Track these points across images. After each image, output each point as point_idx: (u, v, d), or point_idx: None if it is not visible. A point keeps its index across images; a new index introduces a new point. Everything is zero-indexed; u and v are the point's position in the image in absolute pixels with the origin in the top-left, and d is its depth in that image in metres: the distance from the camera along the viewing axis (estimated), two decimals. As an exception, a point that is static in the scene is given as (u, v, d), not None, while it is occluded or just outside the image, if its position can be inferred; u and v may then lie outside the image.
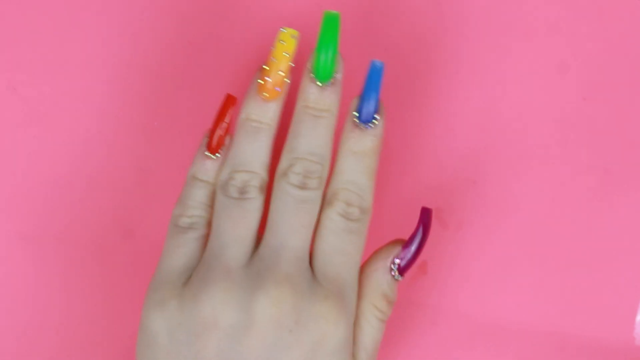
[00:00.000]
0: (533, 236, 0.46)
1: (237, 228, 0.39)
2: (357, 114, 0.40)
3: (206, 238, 0.40)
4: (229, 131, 0.41)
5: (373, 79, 0.40)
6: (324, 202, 0.40)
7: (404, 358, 0.45)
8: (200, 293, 0.37)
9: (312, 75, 0.40)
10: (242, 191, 0.39)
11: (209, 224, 0.40)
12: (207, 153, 0.41)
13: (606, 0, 0.46)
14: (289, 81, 0.40)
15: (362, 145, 0.40)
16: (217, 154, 0.40)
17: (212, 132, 0.41)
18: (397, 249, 0.40)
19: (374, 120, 0.40)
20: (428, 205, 0.46)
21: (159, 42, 0.47)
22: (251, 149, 0.40)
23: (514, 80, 0.46)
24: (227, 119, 0.41)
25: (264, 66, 0.40)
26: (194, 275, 0.39)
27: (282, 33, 0.40)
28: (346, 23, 0.43)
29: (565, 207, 0.46)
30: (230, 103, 0.41)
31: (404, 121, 0.46)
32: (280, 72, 0.40)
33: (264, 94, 0.40)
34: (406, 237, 0.41)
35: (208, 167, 0.41)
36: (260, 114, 0.40)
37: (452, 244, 0.46)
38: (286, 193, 0.39)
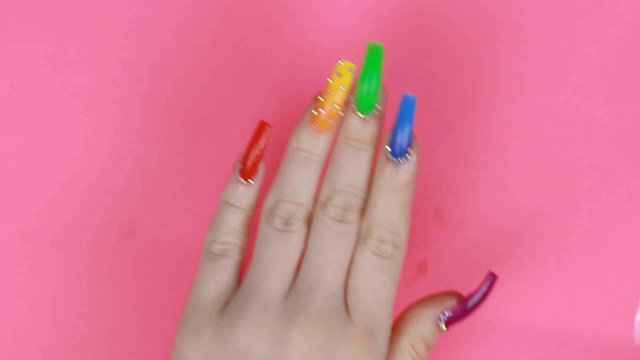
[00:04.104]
0: (533, 236, 0.46)
1: (278, 261, 0.39)
2: (389, 149, 0.39)
3: (239, 265, 0.40)
4: (262, 157, 0.40)
5: (405, 112, 0.39)
6: (358, 239, 0.39)
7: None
8: (236, 325, 0.38)
9: (354, 106, 0.39)
10: (287, 222, 0.39)
11: (242, 251, 0.40)
12: (240, 179, 0.40)
13: (606, 1, 0.46)
14: (342, 114, 0.40)
15: (396, 180, 0.39)
16: (250, 180, 0.40)
17: (246, 158, 0.40)
18: (452, 302, 0.40)
19: (407, 155, 0.39)
20: (428, 206, 0.46)
21: (159, 41, 0.47)
22: (299, 180, 0.39)
23: (514, 80, 0.46)
24: (260, 145, 0.40)
25: (319, 97, 0.39)
26: (232, 305, 0.39)
27: (340, 66, 0.39)
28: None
29: (565, 207, 0.46)
30: (263, 129, 0.40)
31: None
32: (335, 105, 0.39)
33: (317, 125, 0.39)
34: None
35: (241, 192, 0.40)
36: (311, 145, 0.40)
37: (452, 243, 0.46)
38: (324, 226, 0.39)
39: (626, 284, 0.45)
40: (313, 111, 0.39)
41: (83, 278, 0.46)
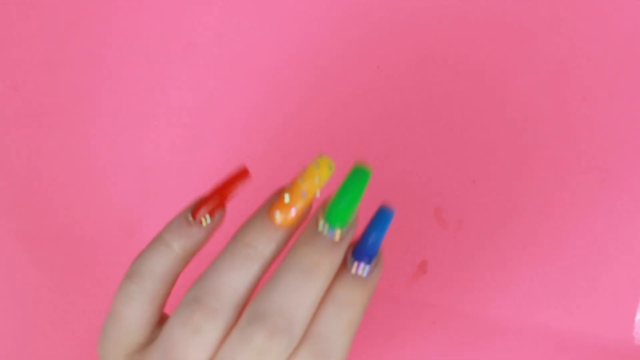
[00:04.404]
0: (533, 236, 0.46)
1: (188, 352, 0.34)
2: (352, 258, 0.34)
3: (149, 311, 0.35)
4: (224, 205, 0.35)
5: (380, 224, 0.34)
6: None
7: (403, 357, 0.45)
8: None
9: (322, 221, 0.33)
10: (197, 328, 0.33)
11: (154, 299, 0.35)
12: (190, 217, 0.35)
13: (606, 0, 0.46)
14: (308, 210, 0.34)
15: (350, 295, 0.34)
16: (203, 220, 0.35)
17: (208, 198, 0.35)
18: None
19: (370, 269, 0.34)
20: (428, 206, 0.46)
21: (158, 41, 0.47)
22: (229, 278, 0.33)
23: (514, 80, 0.46)
24: (230, 194, 0.35)
25: (286, 187, 0.34)
26: None
27: (320, 158, 0.34)
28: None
29: (565, 207, 0.46)
30: (240, 178, 0.35)
31: (403, 121, 0.46)
32: (303, 195, 0.34)
33: (276, 214, 0.34)
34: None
35: (183, 232, 0.34)
36: (259, 239, 0.33)
37: (452, 243, 0.46)
38: (240, 353, 0.33)
39: (626, 284, 0.45)
40: (275, 198, 0.34)
41: (83, 278, 0.46)
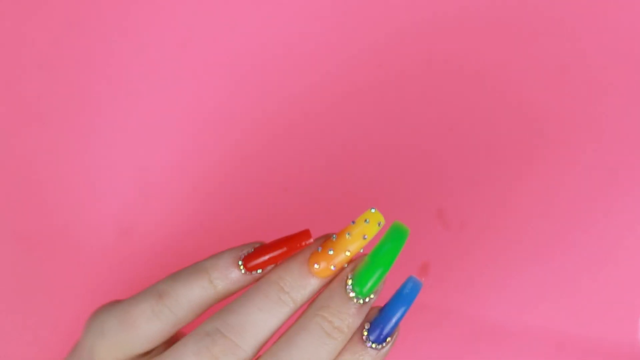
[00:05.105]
0: (535, 237, 0.45)
1: None
2: (369, 329, 0.34)
3: (167, 333, 0.35)
4: (279, 261, 0.34)
5: (406, 297, 0.33)
6: None
7: (405, 358, 0.45)
8: None
9: (350, 281, 0.33)
10: (215, 358, 0.33)
11: (177, 324, 0.35)
12: (240, 264, 0.34)
13: (606, 0, 0.46)
14: (346, 267, 0.34)
15: None
16: (251, 272, 0.34)
17: (266, 250, 0.34)
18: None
19: (383, 343, 0.34)
20: (431, 207, 0.46)
21: (158, 41, 0.47)
22: (256, 318, 0.33)
23: (516, 79, 0.46)
24: (288, 252, 0.34)
25: (333, 236, 0.34)
26: None
27: (370, 213, 0.33)
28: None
29: (567, 207, 0.46)
30: (303, 239, 0.34)
31: (405, 121, 0.46)
32: (347, 252, 0.33)
33: (316, 265, 0.33)
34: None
35: (229, 275, 0.34)
36: (294, 286, 0.33)
37: (453, 244, 0.46)
38: None
39: (631, 286, 0.45)
40: (319, 248, 0.34)
41: (80, 277, 0.46)
